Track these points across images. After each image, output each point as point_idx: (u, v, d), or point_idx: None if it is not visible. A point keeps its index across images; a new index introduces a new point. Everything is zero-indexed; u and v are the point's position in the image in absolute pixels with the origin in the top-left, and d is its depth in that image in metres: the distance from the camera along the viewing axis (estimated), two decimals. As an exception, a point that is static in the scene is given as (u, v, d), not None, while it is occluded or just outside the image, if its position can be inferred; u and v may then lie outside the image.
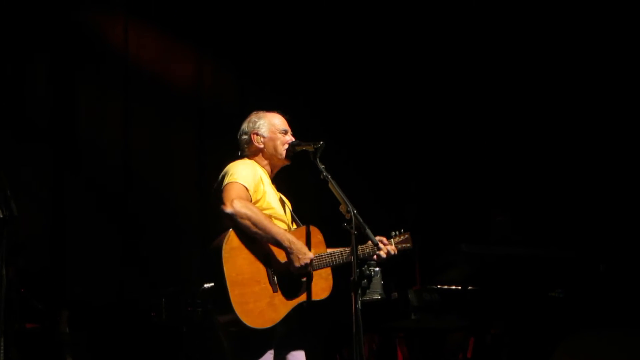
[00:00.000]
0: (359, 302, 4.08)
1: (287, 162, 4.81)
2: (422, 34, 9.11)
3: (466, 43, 9.03)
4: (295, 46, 8.99)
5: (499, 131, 8.86)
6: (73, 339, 6.53)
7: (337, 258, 4.55)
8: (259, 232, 4.38)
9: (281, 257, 4.44)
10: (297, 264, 4.38)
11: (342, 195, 4.29)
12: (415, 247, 5.04)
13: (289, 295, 4.43)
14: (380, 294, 4.26)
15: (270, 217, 4.57)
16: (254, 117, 4.90)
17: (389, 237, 4.74)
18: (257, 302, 4.33)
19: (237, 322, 4.27)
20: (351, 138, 8.85)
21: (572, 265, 6.75)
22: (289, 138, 4.79)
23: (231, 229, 4.39)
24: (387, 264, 4.61)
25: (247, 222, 4.36)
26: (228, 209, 4.37)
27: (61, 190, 7.88)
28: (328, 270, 4.57)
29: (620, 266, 6.70)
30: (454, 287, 6.38)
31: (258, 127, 4.84)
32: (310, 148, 4.62)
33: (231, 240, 4.37)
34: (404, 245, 4.78)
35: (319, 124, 4.98)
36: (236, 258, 4.36)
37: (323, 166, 4.48)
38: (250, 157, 4.83)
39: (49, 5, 8.01)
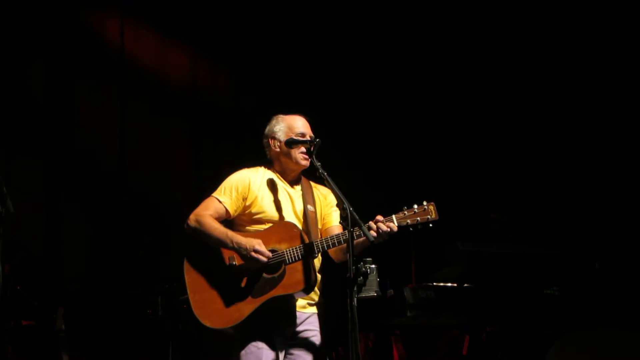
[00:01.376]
0: (355, 299, 4.06)
1: (302, 167, 4.81)
2: (425, 30, 9.10)
3: (467, 43, 9.02)
4: (291, 42, 9.00)
5: (496, 131, 8.87)
6: (69, 336, 6.52)
7: (314, 247, 4.55)
8: (207, 240, 4.64)
9: (239, 258, 4.57)
10: (246, 259, 4.52)
11: (338, 192, 4.29)
12: (410, 244, 5.03)
13: (255, 292, 4.53)
14: (376, 291, 4.24)
15: (261, 220, 4.73)
16: (274, 120, 4.92)
17: (399, 211, 4.62)
18: (215, 304, 4.56)
19: (201, 324, 4.53)
20: (349, 134, 8.84)
21: (567, 263, 6.75)
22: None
23: (191, 242, 4.68)
24: (385, 244, 4.53)
25: (197, 235, 4.67)
26: (185, 226, 4.72)
27: (56, 188, 7.88)
28: (308, 263, 4.56)
29: (616, 264, 6.70)
30: (449, 284, 6.38)
31: (275, 132, 4.87)
32: (306, 145, 4.64)
33: (191, 252, 4.71)
34: (418, 218, 4.57)
35: (316, 120, 4.94)
36: (195, 268, 4.65)
37: (319, 163, 4.48)
38: (272, 160, 4.91)
39: (46, 2, 8.01)
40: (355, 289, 4.09)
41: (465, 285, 6.40)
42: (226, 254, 4.59)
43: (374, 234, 4.45)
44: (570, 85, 8.52)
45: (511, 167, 8.68)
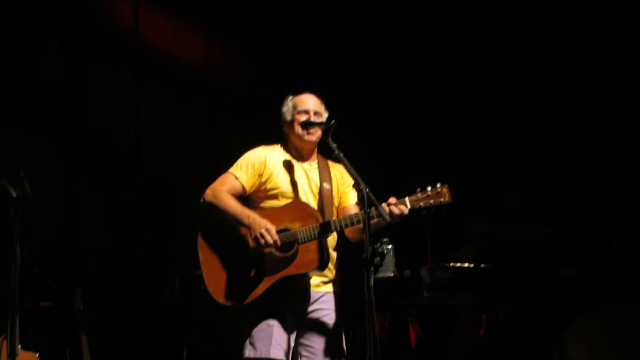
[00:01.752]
0: (372, 279, 4.06)
1: (306, 143, 4.82)
2: (439, 13, 9.06)
3: (480, 24, 8.97)
4: (306, 24, 8.96)
5: (511, 109, 8.82)
6: (87, 317, 6.56)
7: (331, 226, 4.54)
8: (223, 216, 4.63)
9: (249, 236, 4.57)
10: (252, 237, 4.50)
11: (355, 172, 4.27)
12: (427, 225, 5.02)
13: (268, 271, 4.52)
14: (393, 272, 4.24)
15: (277, 196, 4.73)
16: (285, 102, 4.93)
17: (413, 193, 4.58)
18: (229, 282, 4.56)
19: (215, 301, 4.54)
20: (365, 114, 8.83)
21: (584, 243, 6.74)
22: (305, 118, 4.79)
23: (207, 218, 4.68)
24: (402, 225, 4.53)
25: (213, 210, 4.64)
26: (200, 201, 4.69)
27: (73, 170, 7.91)
28: (322, 242, 4.55)
29: (633, 244, 6.68)
30: (466, 265, 6.38)
31: (284, 112, 4.91)
32: (322, 127, 4.64)
33: (205, 228, 4.69)
34: (431, 201, 4.53)
35: (333, 101, 4.94)
36: (209, 245, 4.65)
37: (335, 144, 4.47)
38: (286, 140, 4.91)
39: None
40: (372, 269, 4.08)
41: (482, 265, 6.39)
42: (241, 230, 4.58)
43: (387, 218, 4.44)
44: (590, 61, 8.45)
45: (529, 146, 8.63)
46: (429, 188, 4.55)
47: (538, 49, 8.73)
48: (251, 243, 4.53)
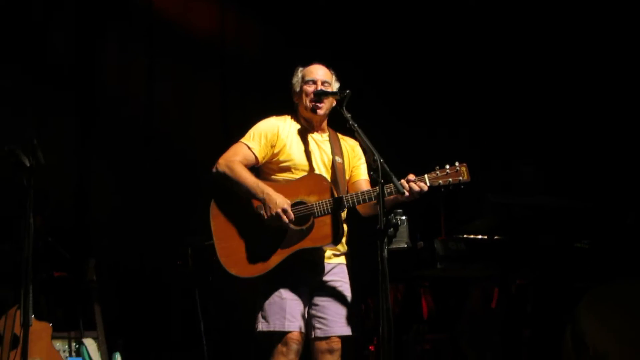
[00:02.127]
0: (385, 250, 4.05)
1: (314, 115, 4.80)
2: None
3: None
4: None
5: (526, 80, 8.76)
6: (101, 287, 6.58)
7: (344, 202, 4.54)
8: (237, 188, 4.60)
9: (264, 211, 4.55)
10: (266, 215, 4.49)
11: (369, 143, 4.25)
12: (440, 197, 4.99)
13: (283, 244, 4.52)
14: (406, 243, 4.25)
15: (289, 168, 4.73)
16: (295, 73, 4.95)
17: (431, 171, 4.59)
18: (242, 253, 4.55)
19: (227, 273, 4.51)
20: (378, 85, 8.78)
21: (598, 216, 6.71)
22: (312, 89, 4.77)
23: (219, 188, 4.65)
24: (418, 202, 4.53)
25: (226, 180, 4.61)
26: (212, 170, 4.67)
27: (86, 139, 7.91)
28: (336, 216, 4.56)
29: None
30: (480, 236, 6.36)
31: (294, 84, 4.92)
32: (336, 97, 4.61)
33: (217, 198, 4.66)
34: (450, 179, 4.56)
35: (345, 71, 4.92)
36: (221, 215, 4.62)
37: (349, 115, 4.44)
38: (296, 111, 4.93)
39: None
40: (385, 240, 4.07)
41: (496, 237, 6.37)
42: (255, 202, 4.57)
43: (406, 192, 4.44)
44: (604, 33, 8.36)
45: (544, 119, 8.57)
46: (448, 166, 4.57)
47: (554, 22, 8.64)
48: (265, 216, 4.51)
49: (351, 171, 4.94)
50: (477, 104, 8.89)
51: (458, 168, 4.58)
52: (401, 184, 4.41)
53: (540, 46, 8.71)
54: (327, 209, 4.52)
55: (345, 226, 4.71)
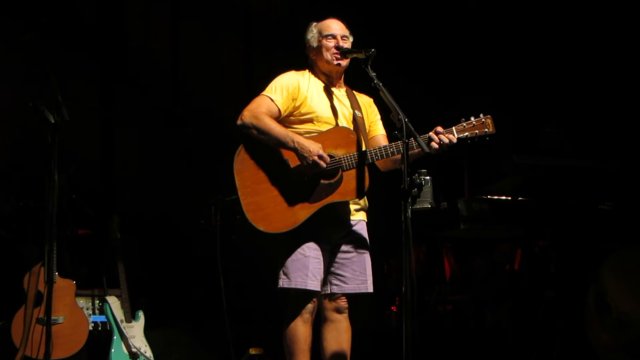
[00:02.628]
0: (409, 210, 4.03)
1: (337, 68, 4.78)
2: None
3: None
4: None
5: (549, 44, 8.66)
6: (124, 245, 6.60)
7: (368, 156, 4.53)
8: (265, 138, 4.53)
9: (295, 160, 4.52)
10: (303, 163, 4.46)
11: (394, 102, 4.22)
12: (464, 156, 4.99)
13: (312, 197, 4.50)
14: (430, 203, 4.20)
15: (312, 120, 4.70)
16: (309, 29, 4.91)
17: (457, 123, 4.57)
18: (269, 208, 4.49)
19: (254, 228, 4.46)
20: (404, 47, 8.69)
21: (622, 178, 6.67)
22: (333, 43, 4.74)
23: (242, 142, 4.56)
24: (442, 161, 4.52)
25: (253, 131, 4.53)
26: (238, 122, 4.58)
27: (110, 98, 7.92)
28: (362, 170, 4.55)
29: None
30: (503, 197, 6.34)
31: (309, 39, 4.88)
32: (362, 55, 4.58)
33: (241, 152, 4.57)
34: (477, 131, 4.56)
35: (372, 32, 4.90)
36: (246, 169, 4.55)
37: (374, 74, 4.41)
38: (312, 67, 4.89)
39: None
40: (409, 200, 4.05)
41: (520, 198, 6.35)
42: (282, 154, 4.53)
43: (435, 145, 4.44)
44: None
45: (569, 81, 8.49)
46: (473, 118, 4.57)
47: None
48: (292, 164, 4.48)
49: (369, 126, 4.92)
50: (500, 67, 8.80)
51: (484, 120, 4.59)
52: (427, 141, 4.41)
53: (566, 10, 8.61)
54: (354, 163, 4.51)
55: (368, 180, 4.68)
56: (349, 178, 4.54)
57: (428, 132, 4.49)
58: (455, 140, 4.50)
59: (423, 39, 8.87)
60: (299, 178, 4.51)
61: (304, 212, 4.49)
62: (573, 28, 8.52)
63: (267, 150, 4.55)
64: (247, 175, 4.55)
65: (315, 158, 4.43)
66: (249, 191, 4.52)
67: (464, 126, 4.55)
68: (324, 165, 4.44)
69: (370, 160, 4.54)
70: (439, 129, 4.50)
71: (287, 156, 4.52)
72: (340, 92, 4.87)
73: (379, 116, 4.97)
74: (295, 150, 4.47)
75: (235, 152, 4.57)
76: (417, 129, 4.20)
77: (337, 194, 4.52)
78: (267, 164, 4.56)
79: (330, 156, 4.51)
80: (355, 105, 4.84)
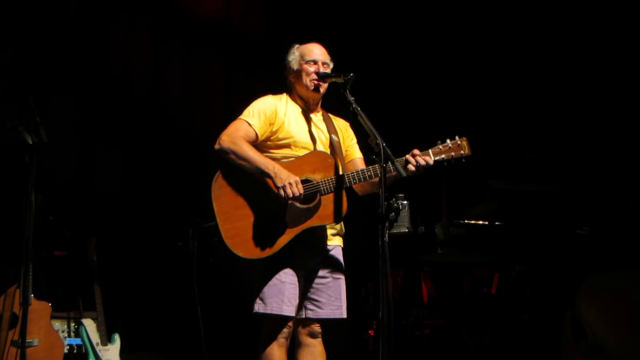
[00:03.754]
0: (386, 235, 4.03)
1: (314, 95, 4.78)
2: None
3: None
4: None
5: (529, 70, 8.74)
6: (101, 267, 6.57)
7: (346, 180, 4.52)
8: (244, 164, 4.48)
9: (271, 187, 4.48)
10: (278, 191, 4.41)
11: (371, 127, 4.22)
12: (442, 182, 4.99)
13: (291, 223, 4.48)
14: (407, 227, 4.20)
15: (289, 145, 4.67)
16: (291, 50, 4.89)
17: (434, 146, 4.57)
18: (248, 234, 4.45)
19: (233, 254, 4.41)
20: (382, 71, 8.75)
21: (599, 203, 6.71)
22: (314, 69, 4.75)
23: (219, 168, 4.52)
24: (416, 180, 4.51)
25: (231, 156, 4.48)
26: (215, 146, 4.52)
27: (89, 118, 7.91)
28: (340, 194, 4.53)
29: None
30: (480, 222, 6.37)
31: (290, 61, 4.86)
32: (340, 80, 4.56)
33: (219, 178, 4.52)
34: (452, 154, 4.56)
35: (351, 56, 4.91)
36: (224, 195, 4.50)
37: (353, 98, 4.40)
38: (291, 89, 4.88)
39: None
40: (386, 224, 4.05)
41: (497, 223, 6.38)
42: (261, 180, 4.49)
43: (412, 167, 4.45)
44: (605, 27, 8.34)
45: (546, 107, 8.56)
46: (449, 140, 4.58)
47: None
48: (278, 193, 4.43)
49: (346, 150, 4.93)
50: (478, 94, 8.87)
51: (459, 142, 4.59)
52: (404, 163, 4.43)
53: (544, 38, 8.68)
54: (332, 187, 4.52)
55: (346, 204, 4.68)
56: (327, 202, 4.53)
57: (405, 155, 4.50)
58: (431, 162, 4.51)
59: (401, 63, 8.94)
60: (278, 203, 4.50)
61: (283, 237, 4.46)
62: (550, 53, 8.60)
63: (245, 175, 4.51)
64: (225, 201, 4.51)
65: (292, 181, 4.39)
66: (227, 217, 4.48)
67: (440, 148, 4.56)
68: (297, 191, 4.40)
69: (348, 184, 4.53)
70: (416, 151, 4.51)
71: (265, 181, 4.50)
72: (317, 117, 4.86)
73: (355, 140, 4.97)
74: (272, 177, 4.43)
75: (213, 178, 4.53)
76: (393, 151, 4.21)
77: (315, 218, 4.51)
78: (245, 190, 4.52)
79: (308, 180, 4.50)
80: (331, 129, 4.84)
